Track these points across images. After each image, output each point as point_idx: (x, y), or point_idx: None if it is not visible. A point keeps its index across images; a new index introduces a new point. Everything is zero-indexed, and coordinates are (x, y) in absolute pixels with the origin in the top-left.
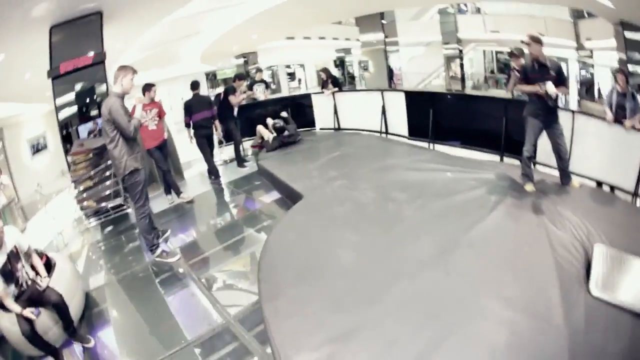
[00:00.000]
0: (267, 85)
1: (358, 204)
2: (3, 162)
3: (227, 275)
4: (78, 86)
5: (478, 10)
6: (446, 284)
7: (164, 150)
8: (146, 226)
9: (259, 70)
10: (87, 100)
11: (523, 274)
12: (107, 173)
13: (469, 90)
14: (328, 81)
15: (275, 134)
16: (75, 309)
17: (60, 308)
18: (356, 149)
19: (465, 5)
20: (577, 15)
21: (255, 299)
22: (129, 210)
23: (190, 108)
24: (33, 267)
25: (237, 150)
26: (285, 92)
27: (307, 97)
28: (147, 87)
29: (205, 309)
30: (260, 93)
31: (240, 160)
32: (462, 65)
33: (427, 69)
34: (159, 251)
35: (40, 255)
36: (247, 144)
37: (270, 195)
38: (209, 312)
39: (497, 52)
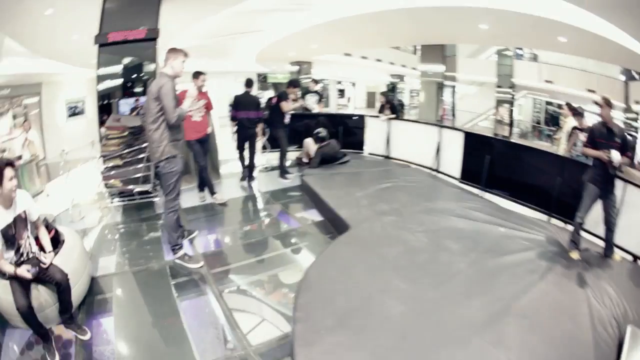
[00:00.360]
0: (321, 97)
1: (410, 247)
2: (36, 117)
3: (253, 297)
4: (125, 59)
5: (535, 58)
6: (493, 356)
7: (205, 145)
8: (174, 222)
9: (314, 81)
10: (133, 76)
11: (564, 351)
12: (140, 156)
13: (515, 138)
14: (386, 106)
15: (317, 145)
16: (77, 294)
17: (62, 289)
18: (406, 183)
19: (521, 49)
20: (629, 76)
21: (282, 332)
22: (156, 200)
23: (237, 104)
24: (38, 241)
25: (281, 160)
26: (332, 108)
27: (360, 118)
28: (197, 75)
29: (222, 330)
30: (313, 103)
31: (283, 170)
32: (511, 111)
33: (478, 109)
34: (181, 253)
35: (49, 228)
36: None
37: (310, 215)
38: (226, 335)
39: (547, 103)
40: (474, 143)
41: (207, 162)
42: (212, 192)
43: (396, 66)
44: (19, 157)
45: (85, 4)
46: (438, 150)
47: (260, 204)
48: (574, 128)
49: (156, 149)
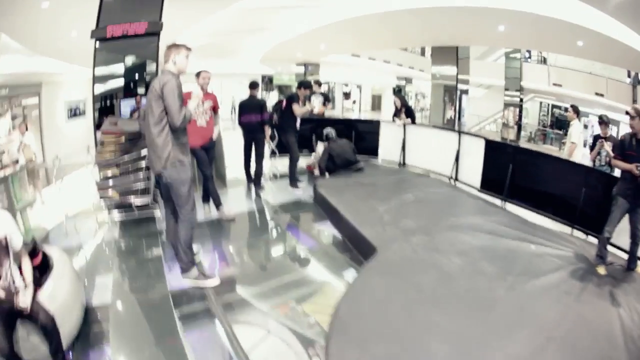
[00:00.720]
0: (327, 99)
1: (445, 273)
2: (35, 118)
3: (271, 333)
4: (126, 56)
5: (544, 61)
6: None
7: (211, 152)
8: (191, 238)
9: (317, 82)
10: (134, 74)
11: None
12: (142, 164)
13: (522, 142)
14: (401, 110)
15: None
16: (68, 331)
17: (48, 331)
18: (428, 194)
19: (529, 52)
20: (637, 80)
21: None
22: (157, 213)
23: (241, 108)
24: (21, 272)
25: (292, 168)
26: (338, 111)
27: (374, 123)
28: (199, 73)
29: None
30: (318, 105)
31: (293, 179)
32: (520, 115)
33: (485, 112)
34: (194, 272)
35: (36, 250)
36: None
37: (327, 230)
38: None
39: (553, 106)
40: (495, 151)
41: (212, 171)
42: (218, 205)
43: (404, 68)
44: (16, 162)
45: None
46: (457, 158)
47: (270, 219)
48: (597, 137)
49: (160, 155)
